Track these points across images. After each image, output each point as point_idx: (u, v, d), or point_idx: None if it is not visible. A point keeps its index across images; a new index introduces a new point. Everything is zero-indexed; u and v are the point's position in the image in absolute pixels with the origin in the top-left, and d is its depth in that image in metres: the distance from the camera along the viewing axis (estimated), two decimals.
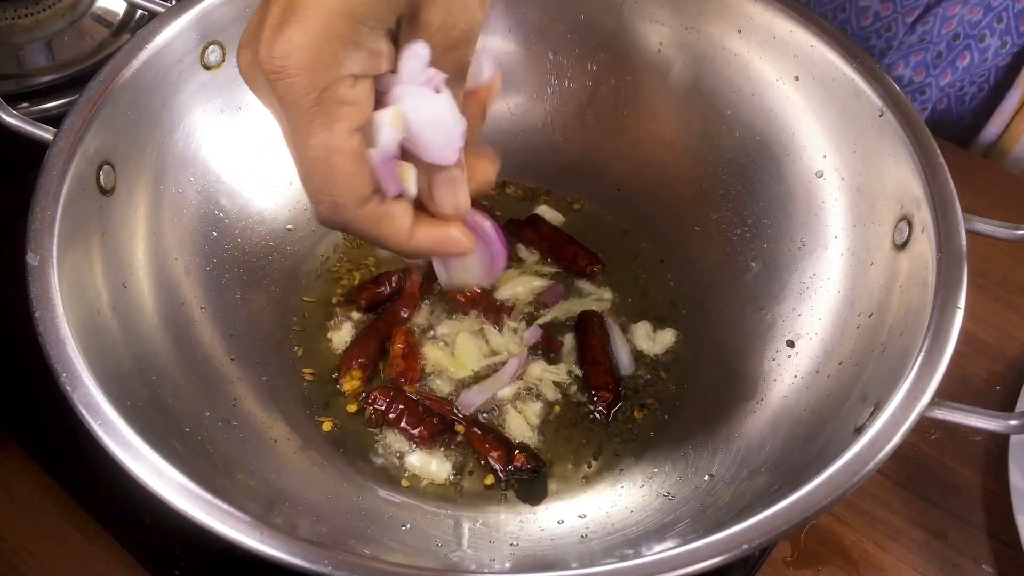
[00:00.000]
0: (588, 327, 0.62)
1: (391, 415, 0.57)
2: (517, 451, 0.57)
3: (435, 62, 0.38)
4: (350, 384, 0.59)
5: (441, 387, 0.60)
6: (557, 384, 0.61)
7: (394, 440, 0.57)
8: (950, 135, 0.86)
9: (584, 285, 0.66)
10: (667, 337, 0.63)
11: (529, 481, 0.56)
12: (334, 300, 0.64)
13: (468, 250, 0.43)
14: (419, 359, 0.61)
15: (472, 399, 0.59)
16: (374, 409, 0.58)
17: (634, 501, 0.55)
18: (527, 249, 0.67)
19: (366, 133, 0.38)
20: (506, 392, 0.60)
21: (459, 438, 0.58)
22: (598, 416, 0.59)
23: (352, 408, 0.59)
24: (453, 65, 0.39)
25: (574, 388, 0.61)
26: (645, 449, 0.58)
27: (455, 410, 0.59)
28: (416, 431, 0.57)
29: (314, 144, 0.37)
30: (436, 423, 0.57)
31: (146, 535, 0.55)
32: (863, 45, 0.80)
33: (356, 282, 0.65)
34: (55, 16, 0.75)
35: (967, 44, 0.80)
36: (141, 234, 0.56)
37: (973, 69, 0.82)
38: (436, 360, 0.61)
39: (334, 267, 0.66)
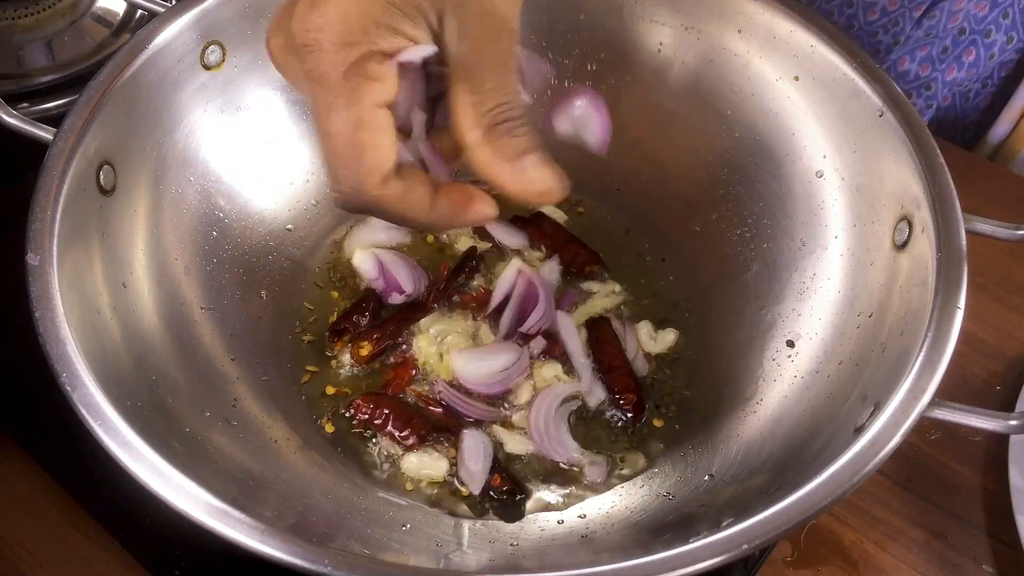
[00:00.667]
0: (599, 333, 0.62)
1: (376, 421, 0.57)
2: (495, 473, 0.56)
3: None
4: (366, 349, 0.60)
5: (432, 389, 0.60)
6: (559, 378, 0.60)
7: (389, 442, 0.57)
8: (956, 134, 0.86)
9: (592, 284, 0.65)
10: (668, 337, 0.63)
11: (507, 503, 0.55)
12: (330, 318, 0.63)
13: (490, 213, 0.42)
14: (410, 369, 0.60)
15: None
16: (358, 418, 0.58)
17: (634, 501, 0.55)
18: (532, 246, 0.67)
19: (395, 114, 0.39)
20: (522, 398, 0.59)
21: (452, 436, 0.57)
22: (625, 420, 0.59)
23: (331, 391, 0.59)
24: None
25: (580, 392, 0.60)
26: (645, 450, 0.58)
27: (442, 400, 0.58)
28: (404, 433, 0.57)
29: (340, 119, 0.37)
30: (424, 423, 0.57)
31: (146, 535, 0.55)
32: (870, 40, 0.80)
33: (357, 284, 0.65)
34: (55, 16, 0.74)
35: (973, 39, 0.80)
36: (141, 234, 0.56)
37: (979, 65, 0.82)
38: (425, 361, 0.61)
39: (335, 267, 0.66)
